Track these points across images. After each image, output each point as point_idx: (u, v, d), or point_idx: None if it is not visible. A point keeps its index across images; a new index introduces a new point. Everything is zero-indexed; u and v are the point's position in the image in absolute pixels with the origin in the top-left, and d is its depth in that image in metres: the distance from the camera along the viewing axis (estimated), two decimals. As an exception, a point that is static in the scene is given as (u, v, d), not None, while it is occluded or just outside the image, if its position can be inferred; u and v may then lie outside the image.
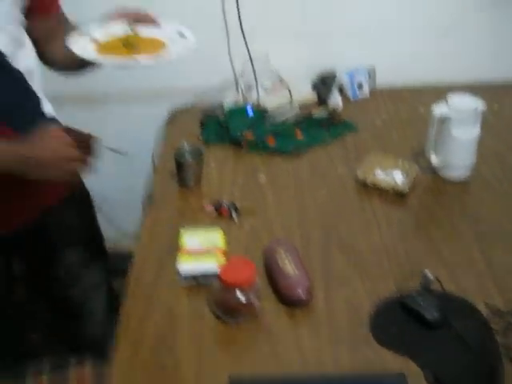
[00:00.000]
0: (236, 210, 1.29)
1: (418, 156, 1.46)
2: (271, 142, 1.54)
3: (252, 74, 1.76)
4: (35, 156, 0.95)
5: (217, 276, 0.99)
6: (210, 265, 1.06)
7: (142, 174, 1.50)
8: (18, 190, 1.11)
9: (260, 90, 1.74)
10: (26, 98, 1.05)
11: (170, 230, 1.24)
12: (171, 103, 1.81)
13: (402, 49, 1.80)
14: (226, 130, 1.59)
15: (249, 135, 1.54)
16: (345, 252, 1.18)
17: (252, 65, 1.72)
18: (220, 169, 1.48)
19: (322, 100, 1.75)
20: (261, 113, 1.64)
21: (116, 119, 1.91)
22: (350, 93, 1.79)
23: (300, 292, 1.02)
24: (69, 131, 0.98)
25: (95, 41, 1.04)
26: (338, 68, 1.81)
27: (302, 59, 1.81)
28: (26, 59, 1.08)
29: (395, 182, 1.35)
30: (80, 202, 1.35)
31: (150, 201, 1.35)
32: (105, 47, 1.04)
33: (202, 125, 1.67)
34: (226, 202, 1.31)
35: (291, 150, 1.51)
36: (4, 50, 0.98)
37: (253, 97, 1.74)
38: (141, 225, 1.28)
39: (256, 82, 1.75)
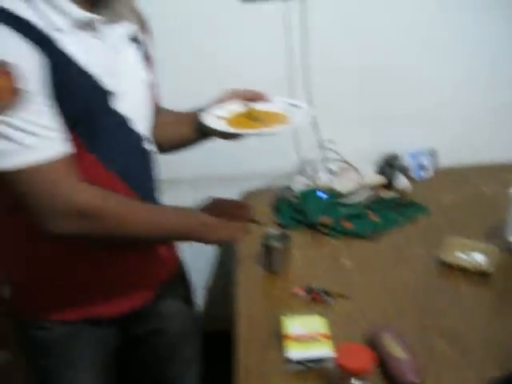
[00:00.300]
0: (327, 294, 1.32)
1: (494, 236, 1.49)
2: (348, 225, 1.59)
3: (319, 157, 1.84)
4: (210, 220, 1.08)
5: (331, 361, 1.02)
6: (323, 350, 1.09)
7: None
8: (136, 266, 1.16)
9: (327, 173, 1.82)
10: (149, 164, 1.16)
11: (266, 316, 1.28)
12: (240, 187, 1.89)
13: (460, 129, 1.89)
14: (302, 213, 1.65)
15: (325, 219, 1.60)
16: (443, 334, 1.20)
17: (321, 150, 1.80)
18: (301, 253, 1.52)
19: (388, 182, 1.81)
20: (333, 196, 1.70)
21: (187, 202, 1.97)
22: (414, 174, 1.86)
23: (413, 375, 1.04)
24: (227, 200, 1.17)
25: (221, 117, 1.12)
26: (400, 150, 1.89)
27: (365, 142, 1.89)
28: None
29: (478, 263, 1.39)
30: (183, 277, 1.39)
31: (237, 285, 1.40)
32: (233, 122, 1.11)
33: (276, 209, 1.74)
34: (316, 287, 1.35)
35: (370, 233, 1.56)
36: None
37: (321, 180, 1.81)
38: (235, 310, 1.33)
39: (323, 166, 1.83)
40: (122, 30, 1.04)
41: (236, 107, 1.15)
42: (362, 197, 1.73)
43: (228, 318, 1.35)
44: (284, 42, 1.76)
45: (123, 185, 1.06)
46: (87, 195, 0.94)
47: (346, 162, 1.84)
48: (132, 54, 1.07)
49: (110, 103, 1.00)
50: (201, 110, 1.25)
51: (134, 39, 1.07)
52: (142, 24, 1.13)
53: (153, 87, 1.16)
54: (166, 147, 1.27)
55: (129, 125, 1.06)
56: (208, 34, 1.73)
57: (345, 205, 1.68)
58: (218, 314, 1.79)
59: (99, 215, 0.95)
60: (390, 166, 1.84)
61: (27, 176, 0.89)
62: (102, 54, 0.98)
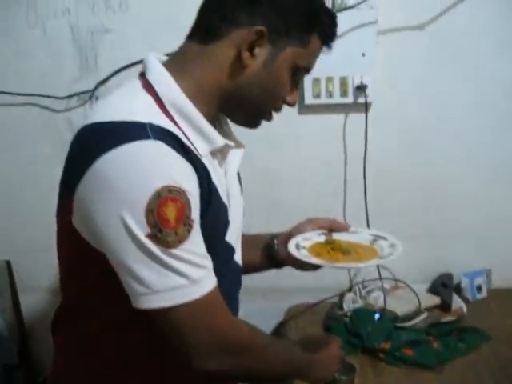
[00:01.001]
0: None
1: None
2: (409, 352, 1.50)
3: (370, 274, 1.78)
4: (318, 358, 1.09)
5: None
6: None
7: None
8: None
9: (380, 291, 1.74)
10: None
11: None
12: (286, 301, 1.81)
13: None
14: (358, 336, 1.56)
15: (384, 345, 1.51)
16: None
17: (379, 271, 1.74)
18: (360, 381, 1.42)
19: (443, 302, 1.73)
20: (389, 318, 1.62)
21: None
22: (469, 294, 1.78)
23: None
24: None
25: (301, 247, 1.06)
26: (454, 268, 1.82)
27: (418, 260, 1.82)
28: None
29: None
30: None
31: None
32: (312, 251, 1.05)
33: (327, 329, 1.65)
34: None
35: (433, 363, 1.46)
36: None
37: (373, 299, 1.74)
38: None
39: (375, 283, 1.76)
40: (239, 156, 1.02)
41: (316, 236, 1.10)
42: (419, 319, 1.64)
43: None
44: (339, 154, 1.77)
45: None
46: (239, 329, 0.92)
47: (398, 279, 1.77)
48: (236, 182, 1.05)
49: (226, 233, 0.96)
50: (273, 236, 1.20)
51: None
52: None
53: None
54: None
55: (234, 256, 1.02)
56: (264, 145, 1.72)
57: (403, 328, 1.59)
58: None
59: (247, 351, 0.93)
60: (444, 285, 1.76)
61: (189, 310, 0.82)
62: (224, 181, 0.97)
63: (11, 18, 1.74)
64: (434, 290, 1.80)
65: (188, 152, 0.83)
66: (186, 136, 0.86)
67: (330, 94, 1.68)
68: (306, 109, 1.72)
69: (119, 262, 0.80)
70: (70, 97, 1.76)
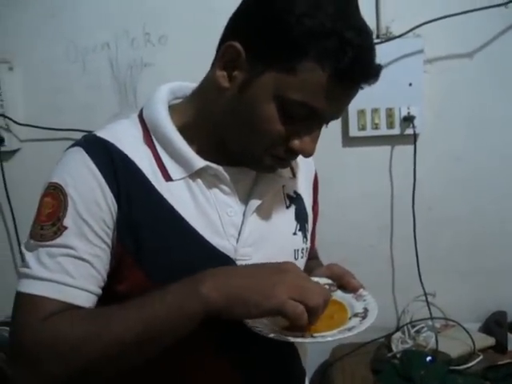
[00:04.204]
0: None
1: None
2: (466, 399, 1.41)
3: (420, 312, 1.70)
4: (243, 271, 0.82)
5: None
6: None
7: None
8: None
9: (431, 331, 1.66)
10: None
11: None
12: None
13: None
14: (410, 381, 1.47)
15: (441, 391, 1.42)
16: None
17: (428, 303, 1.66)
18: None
19: (498, 343, 1.64)
20: (442, 361, 1.53)
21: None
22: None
23: None
24: None
25: None
26: (507, 306, 1.73)
27: (469, 298, 1.74)
28: None
29: None
30: None
31: None
32: None
33: (376, 371, 1.57)
34: None
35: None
36: None
37: (424, 339, 1.65)
38: None
39: (426, 323, 1.68)
40: (277, 184, 0.97)
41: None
42: (474, 362, 1.55)
43: None
44: (385, 187, 1.71)
45: None
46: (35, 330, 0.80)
47: (450, 319, 1.69)
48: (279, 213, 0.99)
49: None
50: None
51: None
52: None
53: None
54: None
55: None
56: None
57: (458, 372, 1.50)
58: None
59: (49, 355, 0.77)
60: (498, 324, 1.67)
61: (16, 299, 0.82)
62: (212, 204, 0.91)
63: (51, 53, 1.73)
64: (486, 329, 1.70)
65: (121, 169, 0.83)
66: (158, 158, 0.86)
67: (375, 126, 1.62)
68: (350, 141, 1.67)
69: None
70: (96, 131, 1.74)
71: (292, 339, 0.79)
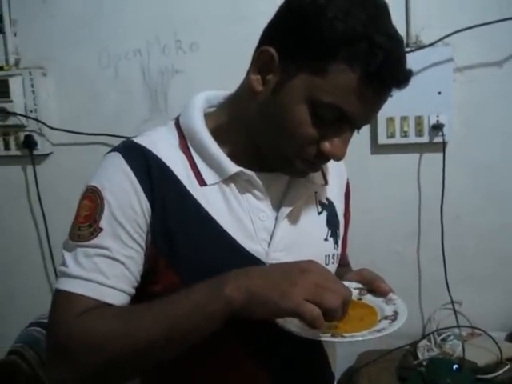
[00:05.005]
0: None
1: None
2: (494, 408, 1.40)
3: (446, 320, 1.70)
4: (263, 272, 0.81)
5: None
6: None
7: None
8: None
9: (457, 339, 1.66)
10: None
11: None
12: (355, 348, 1.74)
13: None
14: (437, 389, 1.47)
15: (468, 400, 1.42)
16: None
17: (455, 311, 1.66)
18: None
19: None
20: (469, 369, 1.53)
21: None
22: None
23: None
24: None
25: None
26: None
27: (496, 306, 1.74)
28: None
29: None
30: None
31: None
32: None
33: (401, 379, 1.57)
34: None
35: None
36: None
37: (450, 347, 1.65)
38: None
39: (452, 331, 1.67)
40: (309, 189, 0.99)
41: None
42: (501, 371, 1.54)
43: None
44: (413, 195, 1.71)
45: None
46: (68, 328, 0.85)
47: (476, 327, 1.68)
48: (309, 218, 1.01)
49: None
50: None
51: None
52: None
53: None
54: None
55: None
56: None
57: (485, 381, 1.50)
58: None
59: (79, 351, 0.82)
60: (525, 333, 1.66)
61: (55, 297, 0.87)
62: (245, 209, 0.94)
63: (84, 59, 1.77)
64: (513, 338, 1.70)
65: (157, 175, 0.86)
66: (193, 164, 0.89)
67: (404, 134, 1.63)
68: (379, 148, 1.67)
69: None
70: (134, 137, 1.76)
71: (322, 338, 0.80)
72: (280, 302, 0.73)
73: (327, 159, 0.87)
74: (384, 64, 0.75)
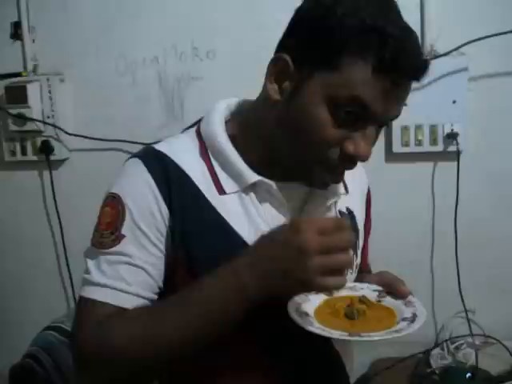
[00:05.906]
0: None
1: None
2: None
3: (459, 329, 1.70)
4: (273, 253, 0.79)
5: None
6: None
7: None
8: None
9: (470, 348, 1.66)
10: None
11: None
12: (368, 355, 1.74)
13: None
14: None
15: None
16: None
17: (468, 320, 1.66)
18: None
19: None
20: (483, 379, 1.53)
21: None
22: None
23: None
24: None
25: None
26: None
27: (509, 315, 1.73)
28: None
29: None
30: None
31: None
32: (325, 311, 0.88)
33: (415, 387, 1.58)
34: None
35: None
36: None
37: (463, 356, 1.65)
38: None
39: (465, 339, 1.68)
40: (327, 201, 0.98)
41: (365, 289, 0.95)
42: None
43: None
44: (427, 203, 1.71)
45: None
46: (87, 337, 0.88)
47: (489, 336, 1.68)
48: None
49: None
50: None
51: None
52: None
53: None
54: None
55: None
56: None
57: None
58: None
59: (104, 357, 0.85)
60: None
61: (81, 303, 0.90)
62: (265, 219, 0.94)
63: (102, 66, 1.79)
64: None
65: (177, 182, 0.88)
66: (213, 172, 0.90)
67: (419, 142, 1.64)
68: (393, 157, 1.68)
69: None
70: (155, 143, 1.78)
71: (340, 337, 0.80)
72: (294, 269, 0.74)
73: (352, 162, 0.85)
74: (397, 52, 0.74)
